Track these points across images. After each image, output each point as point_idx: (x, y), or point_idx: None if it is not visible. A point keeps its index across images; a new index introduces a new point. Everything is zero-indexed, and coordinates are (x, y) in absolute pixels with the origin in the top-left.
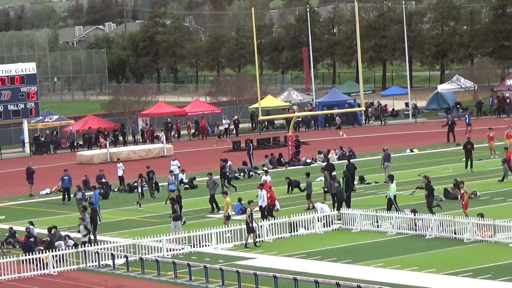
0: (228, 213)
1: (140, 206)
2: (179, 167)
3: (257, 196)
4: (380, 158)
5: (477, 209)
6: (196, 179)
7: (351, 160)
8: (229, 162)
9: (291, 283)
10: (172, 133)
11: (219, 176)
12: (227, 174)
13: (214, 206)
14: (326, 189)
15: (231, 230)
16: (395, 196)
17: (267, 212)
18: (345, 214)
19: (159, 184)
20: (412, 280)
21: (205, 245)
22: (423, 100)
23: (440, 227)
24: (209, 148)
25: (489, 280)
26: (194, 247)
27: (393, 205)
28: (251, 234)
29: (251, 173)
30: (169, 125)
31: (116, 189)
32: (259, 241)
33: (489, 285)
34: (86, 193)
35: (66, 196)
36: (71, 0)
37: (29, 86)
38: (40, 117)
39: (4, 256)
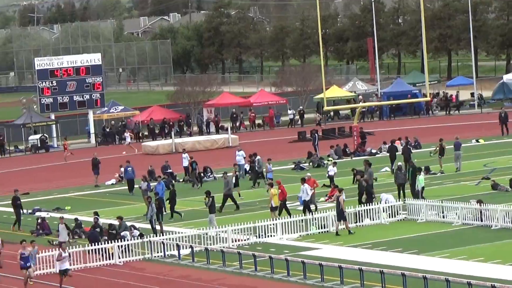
0: (272, 204)
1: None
2: (244, 158)
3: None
4: (431, 149)
5: None
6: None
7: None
8: (258, 157)
9: (357, 274)
10: (237, 123)
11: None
12: (256, 168)
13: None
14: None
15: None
16: (423, 188)
17: (280, 207)
18: (410, 204)
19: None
20: (478, 271)
21: (271, 236)
22: (489, 90)
23: (506, 218)
24: (275, 138)
25: None
26: (259, 237)
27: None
28: (342, 222)
29: (319, 162)
30: (234, 115)
31: (181, 180)
32: (342, 229)
33: None
34: (151, 184)
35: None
36: None
37: (94, 77)
38: (106, 108)
39: (71, 246)
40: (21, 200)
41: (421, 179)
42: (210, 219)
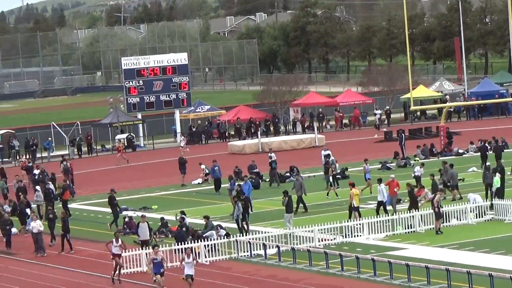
0: (353, 204)
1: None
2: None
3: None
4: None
5: None
6: (348, 170)
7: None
8: (332, 157)
9: (443, 274)
10: (324, 123)
11: (323, 173)
12: (332, 169)
13: (302, 206)
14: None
15: (378, 221)
16: (497, 188)
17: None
18: (498, 204)
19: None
20: None
21: (357, 235)
22: None
23: None
24: (361, 138)
25: None
26: (346, 237)
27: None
28: (440, 220)
29: (405, 162)
30: (321, 115)
31: (267, 179)
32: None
33: None
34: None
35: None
36: None
37: (181, 77)
38: (192, 107)
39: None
40: (107, 199)
41: (496, 180)
42: (286, 218)
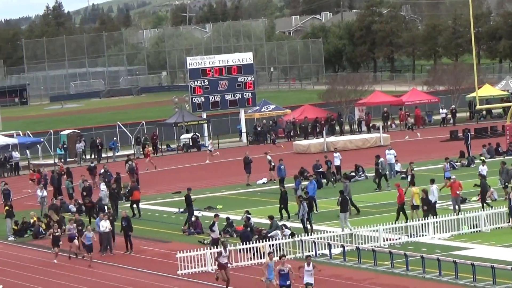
0: (413, 203)
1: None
2: (395, 157)
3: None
4: None
5: None
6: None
7: None
8: (381, 159)
9: (509, 274)
10: (389, 123)
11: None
12: (380, 170)
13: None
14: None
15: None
16: None
17: (398, 211)
18: None
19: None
20: None
21: (422, 235)
22: None
23: None
24: (427, 137)
25: None
26: (411, 236)
27: None
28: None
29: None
30: (385, 114)
31: (332, 179)
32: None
33: None
34: (302, 182)
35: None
36: None
37: (246, 76)
38: (257, 107)
39: (210, 247)
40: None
41: None
42: (341, 218)
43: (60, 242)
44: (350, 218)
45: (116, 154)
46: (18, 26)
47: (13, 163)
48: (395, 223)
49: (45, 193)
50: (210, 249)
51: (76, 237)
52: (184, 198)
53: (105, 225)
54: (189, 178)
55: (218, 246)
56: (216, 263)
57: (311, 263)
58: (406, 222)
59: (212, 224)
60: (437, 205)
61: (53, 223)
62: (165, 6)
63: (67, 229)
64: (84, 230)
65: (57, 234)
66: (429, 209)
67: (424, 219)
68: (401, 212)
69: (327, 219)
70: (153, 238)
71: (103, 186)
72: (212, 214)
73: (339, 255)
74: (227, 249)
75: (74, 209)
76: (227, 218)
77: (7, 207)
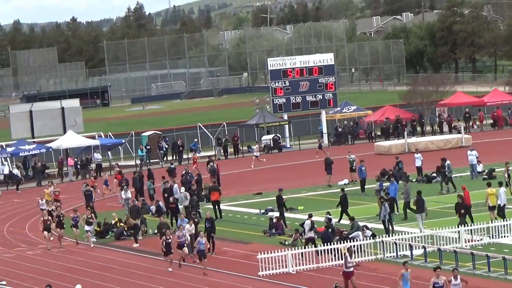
0: (489, 204)
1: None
2: (477, 157)
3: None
4: None
5: None
6: (495, 170)
7: None
8: (448, 161)
9: None
10: (470, 123)
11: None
12: (446, 173)
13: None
14: None
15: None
16: None
17: (463, 211)
18: None
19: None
20: None
21: (504, 236)
22: None
23: None
24: (510, 138)
25: None
26: (493, 238)
27: None
28: None
29: None
30: (467, 115)
31: (414, 180)
32: None
33: None
34: (384, 184)
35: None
36: None
37: (327, 77)
38: (338, 108)
39: (304, 247)
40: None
41: None
42: (417, 219)
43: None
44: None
45: (198, 155)
46: (99, 28)
47: (95, 165)
48: (472, 224)
49: (129, 195)
50: (305, 248)
51: (185, 244)
52: (275, 198)
53: (190, 229)
54: (270, 179)
55: (311, 246)
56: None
57: (458, 276)
58: (471, 224)
59: (307, 224)
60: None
61: (164, 230)
62: (246, 8)
63: (177, 236)
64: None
65: (169, 241)
66: (466, 213)
67: (458, 226)
68: (467, 215)
69: (408, 220)
70: (234, 239)
71: (181, 188)
72: (293, 216)
73: (420, 256)
74: (352, 255)
75: (154, 210)
76: (309, 215)
77: (89, 208)
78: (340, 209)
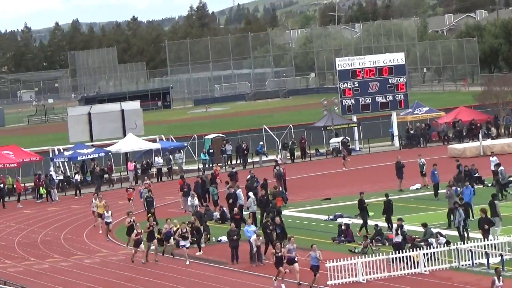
0: None
1: None
2: None
3: None
4: None
5: None
6: None
7: None
8: (501, 167)
9: None
10: None
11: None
12: (500, 180)
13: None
14: None
15: None
16: None
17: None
18: None
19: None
20: None
21: None
22: None
23: None
24: None
25: None
26: None
27: None
28: None
29: None
30: None
31: (489, 184)
32: None
33: None
34: (458, 189)
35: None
36: None
37: (397, 77)
38: (410, 109)
39: (373, 254)
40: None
41: None
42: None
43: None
44: None
45: (263, 159)
46: (161, 28)
47: (156, 169)
48: None
49: (196, 202)
50: (394, 253)
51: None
52: (357, 202)
53: (254, 237)
54: (338, 184)
55: (400, 251)
56: None
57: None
58: None
59: (397, 228)
60: None
61: (276, 243)
62: (313, 6)
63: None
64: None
65: (279, 254)
66: (489, 228)
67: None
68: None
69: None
70: (301, 247)
71: (251, 193)
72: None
73: (498, 265)
74: (500, 278)
75: (218, 216)
76: (376, 226)
77: (150, 215)
78: (385, 216)
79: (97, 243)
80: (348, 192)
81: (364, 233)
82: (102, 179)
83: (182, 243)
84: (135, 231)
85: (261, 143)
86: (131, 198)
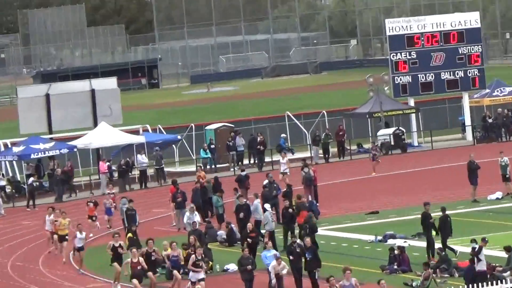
0: None
1: None
2: None
3: None
4: None
5: None
6: None
7: None
8: None
9: None
10: None
11: None
12: None
13: None
14: None
15: None
16: None
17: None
18: None
19: None
20: None
21: None
22: None
23: None
24: None
25: None
26: None
27: None
28: None
29: None
30: None
31: None
32: None
33: None
34: None
35: None
36: None
37: (470, 46)
38: (487, 90)
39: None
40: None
41: None
42: None
43: None
44: None
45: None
46: None
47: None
48: None
49: (197, 218)
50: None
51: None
52: (420, 217)
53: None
54: (388, 191)
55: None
56: None
57: None
58: None
59: (478, 251)
60: None
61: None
62: None
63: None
64: None
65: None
66: None
67: None
68: None
69: None
70: (339, 279)
71: (267, 205)
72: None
73: None
74: None
75: (224, 237)
76: (440, 250)
77: (130, 234)
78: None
79: (59, 274)
80: (403, 203)
81: (426, 260)
82: (65, 184)
83: (194, 275)
84: (126, 260)
85: (283, 135)
86: (93, 216)
